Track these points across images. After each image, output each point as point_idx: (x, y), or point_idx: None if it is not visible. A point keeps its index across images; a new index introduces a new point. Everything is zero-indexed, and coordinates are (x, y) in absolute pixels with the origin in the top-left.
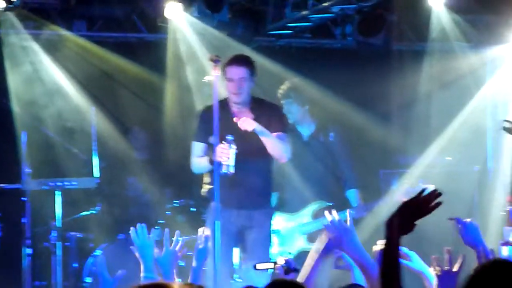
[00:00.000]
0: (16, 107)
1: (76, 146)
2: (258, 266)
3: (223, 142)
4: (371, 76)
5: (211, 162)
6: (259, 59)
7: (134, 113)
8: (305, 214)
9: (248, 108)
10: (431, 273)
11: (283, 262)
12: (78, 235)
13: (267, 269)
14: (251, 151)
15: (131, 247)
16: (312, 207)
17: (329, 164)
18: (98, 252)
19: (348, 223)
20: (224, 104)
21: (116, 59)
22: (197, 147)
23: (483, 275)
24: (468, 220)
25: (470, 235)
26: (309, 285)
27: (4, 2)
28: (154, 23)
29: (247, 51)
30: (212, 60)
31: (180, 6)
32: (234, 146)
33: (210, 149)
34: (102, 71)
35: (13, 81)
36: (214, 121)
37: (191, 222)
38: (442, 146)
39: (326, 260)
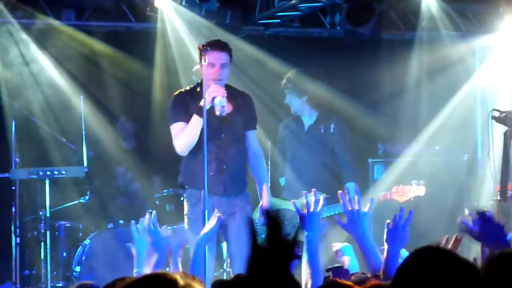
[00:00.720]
0: (4, 96)
1: (65, 135)
2: None
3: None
4: (360, 65)
5: (199, 112)
6: (247, 48)
7: (123, 102)
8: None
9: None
10: None
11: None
12: (67, 224)
13: None
14: (231, 138)
15: (127, 244)
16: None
17: (328, 155)
18: (87, 241)
19: (367, 209)
20: (199, 90)
21: (105, 48)
22: (178, 127)
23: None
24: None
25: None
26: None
27: None
28: (143, 12)
29: (235, 40)
30: (200, 49)
31: None
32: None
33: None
34: (91, 60)
35: (2, 70)
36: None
37: (180, 211)
38: (431, 135)
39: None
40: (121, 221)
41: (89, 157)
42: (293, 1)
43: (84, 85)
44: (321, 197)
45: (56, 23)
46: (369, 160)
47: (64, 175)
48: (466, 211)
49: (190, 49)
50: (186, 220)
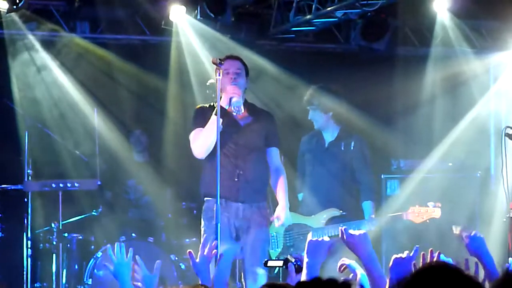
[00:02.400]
0: (19, 108)
1: (78, 148)
2: (269, 263)
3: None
4: (374, 81)
5: (215, 114)
6: (262, 62)
7: (136, 115)
8: (317, 220)
9: (244, 108)
10: None
11: (293, 260)
12: (79, 237)
13: (278, 266)
14: (249, 146)
15: (105, 263)
16: (325, 213)
17: (347, 172)
18: (99, 254)
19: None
20: (217, 104)
21: (119, 61)
22: (197, 132)
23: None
24: (473, 232)
25: (475, 246)
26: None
27: (7, 3)
28: (158, 26)
29: (250, 54)
30: (215, 63)
31: (183, 9)
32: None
33: None
34: (105, 73)
35: (16, 81)
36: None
37: (192, 225)
38: (444, 152)
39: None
40: (133, 234)
41: (102, 170)
42: (308, 16)
43: (98, 98)
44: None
45: (70, 35)
46: (382, 176)
47: (77, 188)
48: (456, 229)
49: (204, 63)
50: (202, 232)
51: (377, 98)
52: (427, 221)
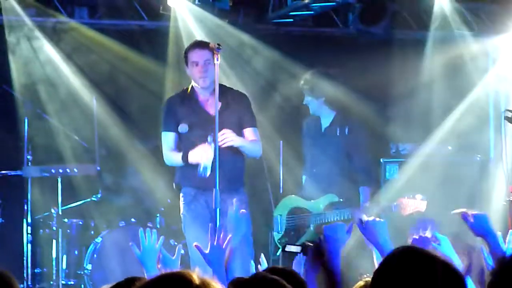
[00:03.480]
0: (17, 93)
1: (77, 133)
2: (288, 248)
3: (206, 142)
4: (373, 65)
5: (186, 161)
6: (260, 47)
7: (135, 100)
8: (317, 205)
9: (213, 95)
10: (458, 260)
11: (313, 246)
12: (78, 222)
13: (296, 252)
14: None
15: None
16: (325, 199)
17: (343, 158)
18: (98, 239)
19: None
20: (188, 92)
21: (117, 46)
22: (168, 138)
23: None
24: (474, 212)
25: (479, 226)
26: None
27: None
28: (156, 11)
29: (248, 39)
30: (213, 48)
31: None
32: (213, 147)
33: (180, 139)
34: (103, 59)
35: (15, 67)
36: (216, 109)
37: None
38: (443, 135)
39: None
40: (133, 219)
41: (101, 155)
42: (306, 1)
43: (96, 83)
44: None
45: (69, 21)
46: (381, 160)
47: (76, 173)
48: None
49: None
50: (182, 218)
51: (375, 82)
52: (413, 214)
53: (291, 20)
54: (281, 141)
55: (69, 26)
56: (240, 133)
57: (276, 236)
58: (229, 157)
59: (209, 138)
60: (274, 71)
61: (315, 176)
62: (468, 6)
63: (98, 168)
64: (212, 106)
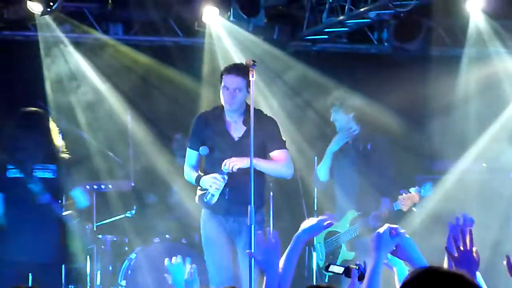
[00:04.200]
0: (53, 110)
1: (112, 149)
2: (331, 268)
3: (219, 173)
4: (408, 81)
5: (198, 183)
6: (294, 63)
7: (170, 117)
8: (343, 224)
9: (241, 118)
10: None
11: (356, 267)
12: (113, 239)
13: (338, 273)
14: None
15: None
16: (346, 217)
17: (364, 172)
18: (133, 256)
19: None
20: (217, 111)
21: (152, 63)
22: (191, 155)
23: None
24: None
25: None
26: None
27: (41, 5)
28: (191, 27)
29: (282, 55)
30: (248, 64)
31: (216, 10)
32: (226, 178)
33: (202, 158)
34: (138, 75)
35: (50, 84)
36: (251, 126)
37: None
38: (478, 152)
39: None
40: (167, 236)
41: (136, 171)
42: (340, 17)
43: (131, 99)
44: None
45: (104, 37)
46: (416, 177)
47: (111, 189)
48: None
49: None
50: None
51: (410, 99)
52: (413, 209)
53: (326, 36)
54: (315, 157)
55: (104, 42)
56: (264, 157)
57: (320, 263)
58: (243, 179)
59: (223, 168)
60: (308, 88)
61: (341, 190)
62: (503, 23)
63: (133, 184)
64: (237, 130)
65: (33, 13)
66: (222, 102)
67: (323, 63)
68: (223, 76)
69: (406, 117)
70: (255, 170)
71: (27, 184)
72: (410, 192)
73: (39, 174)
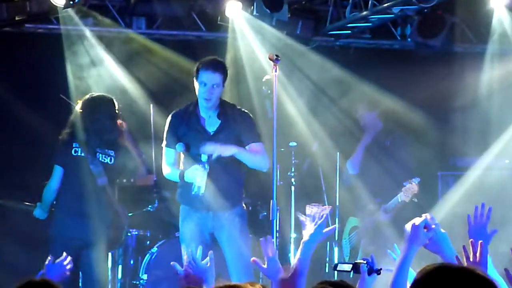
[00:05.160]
0: (74, 103)
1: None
2: (340, 267)
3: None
4: (431, 78)
5: (182, 179)
6: (317, 58)
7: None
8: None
9: (216, 112)
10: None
11: (364, 262)
12: (134, 232)
13: (346, 271)
14: (219, 156)
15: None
16: (367, 210)
17: (380, 168)
18: (154, 250)
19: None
20: (191, 108)
21: (175, 57)
22: (168, 154)
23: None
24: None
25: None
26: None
27: None
28: (214, 22)
29: (305, 50)
30: (271, 59)
31: (239, 4)
32: (207, 167)
33: (179, 157)
34: (161, 69)
35: (73, 77)
36: (274, 120)
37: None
38: (501, 149)
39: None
40: None
41: (158, 165)
42: (364, 13)
43: (154, 93)
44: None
45: (127, 31)
46: (439, 173)
47: (133, 183)
48: None
49: (260, 59)
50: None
51: (433, 95)
52: (414, 199)
53: (349, 32)
54: (338, 153)
55: (127, 36)
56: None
57: (346, 259)
58: (223, 174)
59: (202, 157)
60: (331, 83)
61: (363, 183)
62: None
63: (155, 178)
64: (212, 124)
65: (56, 6)
66: (198, 96)
67: (346, 58)
68: (200, 71)
69: (429, 113)
70: (234, 164)
71: (88, 165)
72: (411, 184)
73: (100, 157)
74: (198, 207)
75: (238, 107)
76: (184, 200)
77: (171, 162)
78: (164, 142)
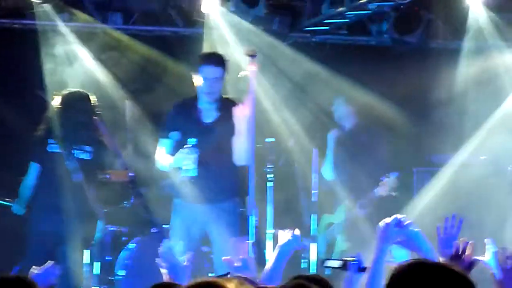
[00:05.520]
0: (50, 98)
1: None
2: (329, 263)
3: (184, 147)
4: (406, 74)
5: (171, 165)
6: (294, 54)
7: (168, 107)
8: (339, 216)
9: (214, 105)
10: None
11: (354, 260)
12: (111, 228)
13: (336, 268)
14: (213, 147)
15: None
16: (343, 207)
17: (357, 164)
18: (131, 246)
19: None
20: (189, 101)
21: (151, 52)
22: (165, 144)
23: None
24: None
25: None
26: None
27: None
28: (190, 17)
29: (282, 46)
30: (248, 54)
31: (216, 0)
32: (195, 150)
33: (175, 146)
34: (137, 65)
35: (48, 73)
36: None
37: None
38: (476, 145)
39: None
40: (165, 226)
41: (134, 161)
42: (340, 9)
43: (129, 89)
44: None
45: (102, 26)
46: (414, 169)
47: (109, 179)
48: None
49: (236, 55)
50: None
51: (409, 91)
52: (392, 193)
53: (326, 28)
54: (315, 149)
55: (103, 32)
56: (232, 143)
57: (321, 256)
58: (215, 167)
59: (189, 141)
60: (308, 79)
61: (340, 180)
62: (503, 16)
63: (131, 174)
64: (209, 116)
65: (32, 2)
66: (199, 90)
67: (322, 54)
68: (202, 66)
69: (405, 109)
70: (227, 156)
71: (64, 161)
72: (388, 178)
73: (76, 153)
74: (190, 200)
75: (235, 100)
76: (175, 192)
77: (166, 152)
78: (161, 132)
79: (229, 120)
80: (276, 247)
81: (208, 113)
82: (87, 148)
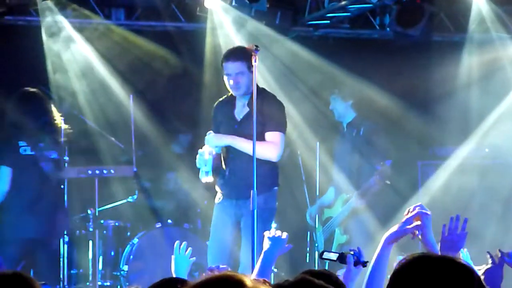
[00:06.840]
0: (54, 94)
1: (114, 134)
2: (325, 255)
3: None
4: (410, 67)
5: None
6: (296, 49)
7: (172, 101)
8: (336, 209)
9: (246, 100)
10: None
11: (351, 253)
12: (115, 223)
13: (332, 260)
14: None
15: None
16: (339, 201)
17: (356, 158)
18: (135, 241)
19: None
20: (229, 97)
21: (154, 47)
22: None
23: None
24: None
25: None
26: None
27: None
28: (193, 12)
29: (284, 40)
30: (250, 49)
31: None
32: (213, 151)
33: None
34: (140, 60)
35: (52, 69)
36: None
37: None
38: (480, 138)
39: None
40: (169, 221)
41: (138, 156)
42: (342, 2)
43: (133, 84)
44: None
45: (106, 22)
46: (419, 163)
47: (113, 174)
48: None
49: None
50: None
51: (413, 85)
52: (387, 182)
53: (328, 22)
54: (318, 143)
55: (106, 27)
56: (263, 138)
57: (320, 250)
58: (243, 163)
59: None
60: (311, 73)
61: (340, 172)
62: (506, 8)
63: (135, 169)
64: (241, 112)
65: None
66: (228, 89)
67: (325, 48)
68: (223, 64)
69: (408, 102)
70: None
71: (38, 162)
72: (383, 166)
73: (48, 154)
74: (227, 195)
75: (268, 92)
76: (217, 186)
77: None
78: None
79: (259, 112)
80: (262, 253)
81: (240, 109)
82: (56, 147)
